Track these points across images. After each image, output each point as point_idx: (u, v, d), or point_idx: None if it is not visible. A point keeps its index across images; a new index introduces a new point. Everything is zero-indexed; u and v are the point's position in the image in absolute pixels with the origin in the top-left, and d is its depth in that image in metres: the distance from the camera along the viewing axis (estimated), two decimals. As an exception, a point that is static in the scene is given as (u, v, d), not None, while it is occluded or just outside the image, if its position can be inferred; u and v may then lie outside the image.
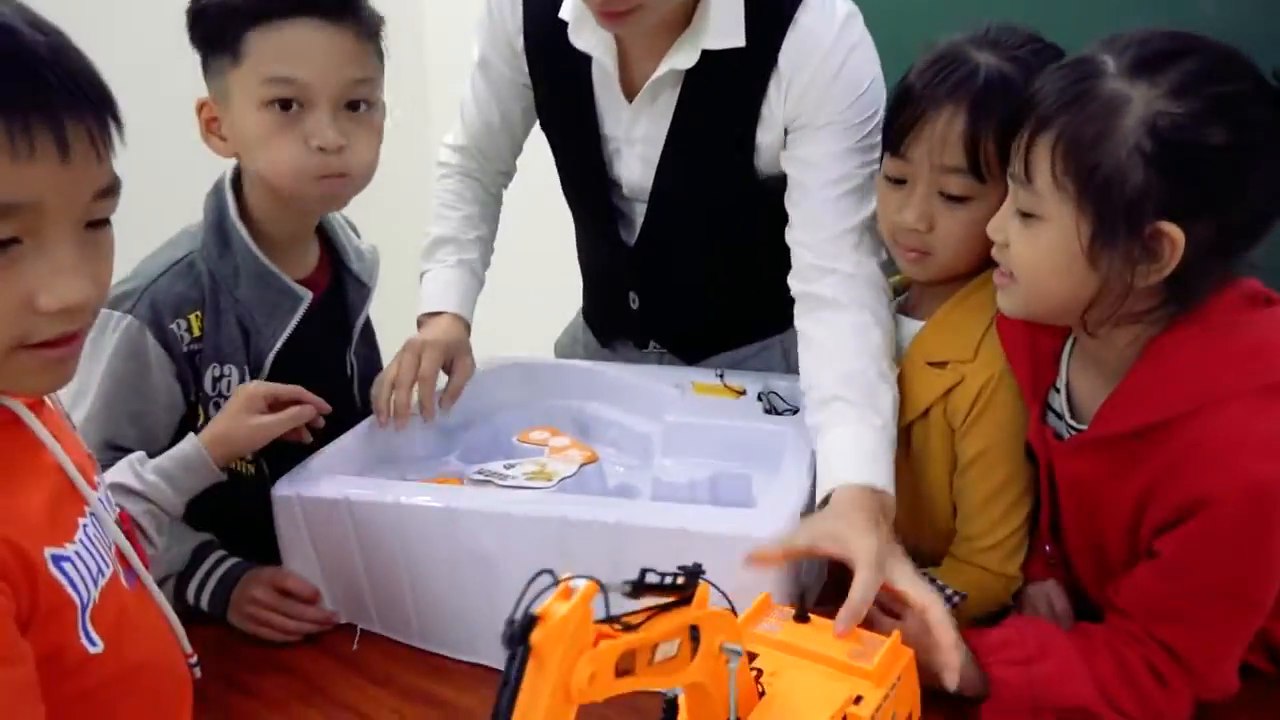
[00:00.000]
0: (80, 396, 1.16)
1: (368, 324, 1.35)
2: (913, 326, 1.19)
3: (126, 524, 0.94)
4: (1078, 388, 1.04)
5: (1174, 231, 0.87)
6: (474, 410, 1.34)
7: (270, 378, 1.19)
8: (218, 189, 1.18)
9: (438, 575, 1.05)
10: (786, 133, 1.23)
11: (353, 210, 1.28)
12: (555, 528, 1.00)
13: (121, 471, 1.04)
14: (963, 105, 1.05)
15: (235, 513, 1.15)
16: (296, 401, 1.14)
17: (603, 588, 0.58)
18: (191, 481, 1.07)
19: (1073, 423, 1.03)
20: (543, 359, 1.51)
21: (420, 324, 1.34)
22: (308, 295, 1.20)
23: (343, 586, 1.12)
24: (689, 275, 1.42)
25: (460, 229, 1.42)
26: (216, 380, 1.17)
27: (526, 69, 1.35)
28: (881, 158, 1.15)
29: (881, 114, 1.18)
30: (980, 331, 1.12)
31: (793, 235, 1.23)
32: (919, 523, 1.17)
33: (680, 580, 0.64)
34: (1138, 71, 0.87)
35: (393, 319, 1.46)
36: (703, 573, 0.66)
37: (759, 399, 1.29)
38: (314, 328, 1.23)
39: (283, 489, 1.10)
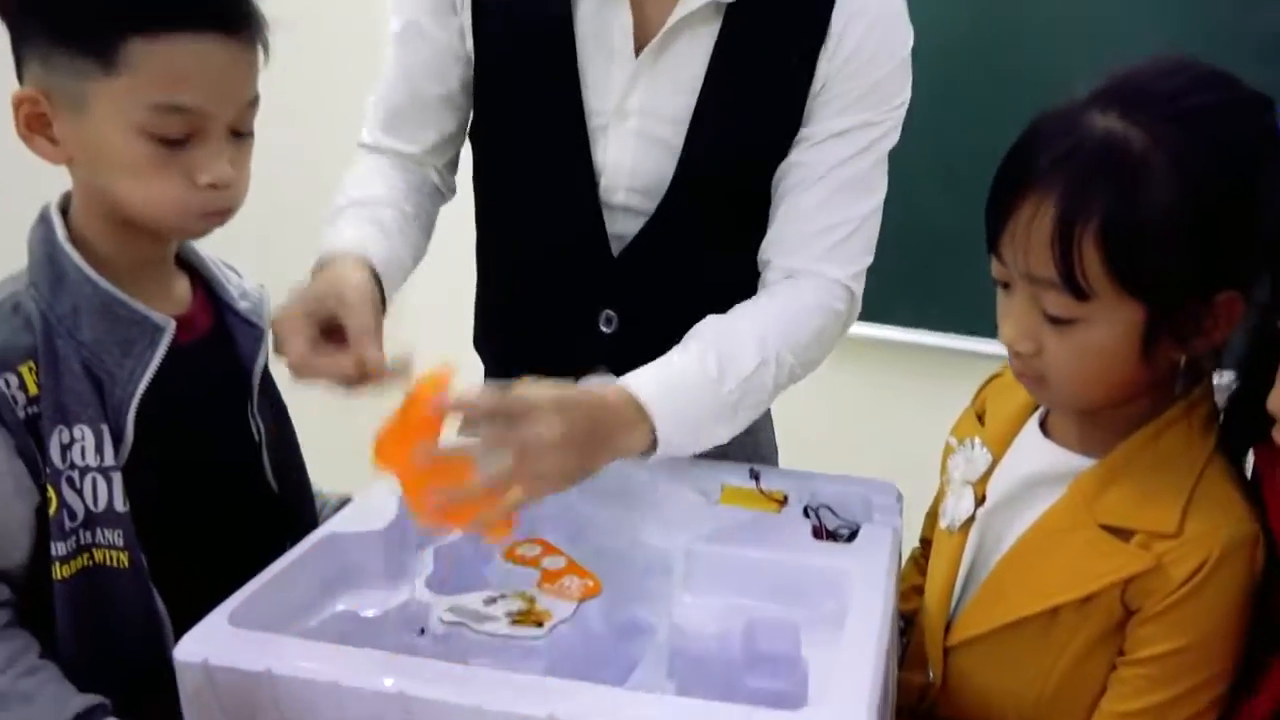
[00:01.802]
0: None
1: (268, 377, 1.09)
2: (1067, 461, 0.88)
3: None
4: None
5: None
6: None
7: (140, 438, 0.93)
8: (44, 218, 0.96)
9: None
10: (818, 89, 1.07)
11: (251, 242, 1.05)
12: (548, 732, 0.73)
13: None
14: (1052, 193, 0.78)
15: (105, 628, 0.91)
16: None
17: None
18: None
19: None
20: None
21: None
22: (169, 323, 0.96)
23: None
24: (687, 281, 1.13)
25: (374, 195, 1.11)
26: (66, 448, 0.91)
27: (470, 28, 1.11)
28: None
29: (907, 98, 1.08)
30: (1186, 491, 0.81)
31: (776, 227, 1.10)
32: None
33: None
34: None
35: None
36: None
37: (805, 514, 1.02)
38: (200, 381, 1.01)
39: (188, 650, 0.82)
